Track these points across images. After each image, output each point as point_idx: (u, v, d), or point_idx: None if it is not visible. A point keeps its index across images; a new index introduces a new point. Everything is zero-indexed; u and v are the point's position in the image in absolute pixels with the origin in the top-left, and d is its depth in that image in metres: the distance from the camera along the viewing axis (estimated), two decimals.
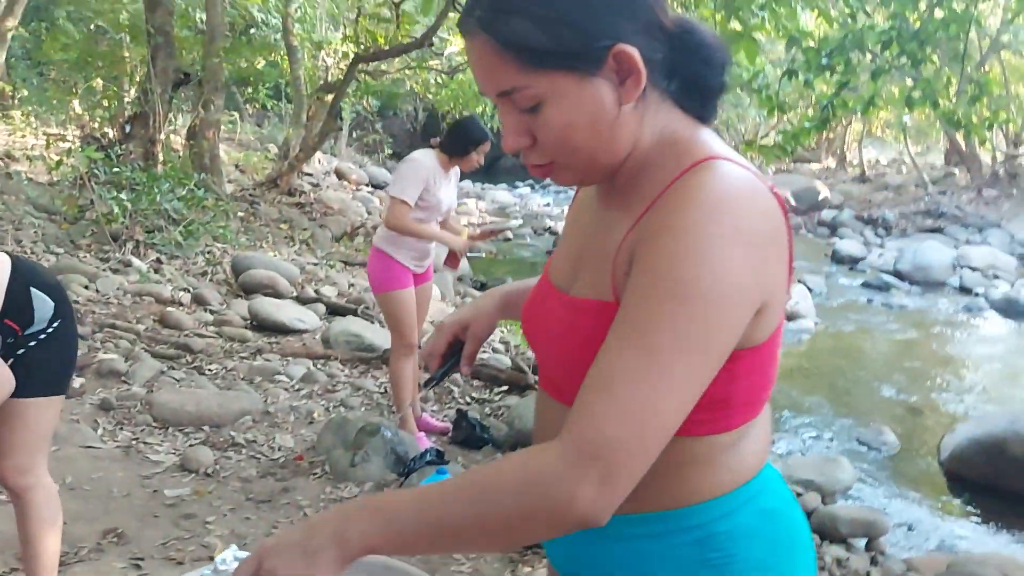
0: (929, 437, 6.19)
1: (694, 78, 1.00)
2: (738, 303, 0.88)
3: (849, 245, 13.75)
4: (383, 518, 0.87)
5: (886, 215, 16.66)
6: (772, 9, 4.18)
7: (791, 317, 9.03)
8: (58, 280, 2.36)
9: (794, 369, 7.97)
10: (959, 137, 17.16)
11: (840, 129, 23.72)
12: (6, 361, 2.12)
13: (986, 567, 3.81)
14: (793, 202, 17.88)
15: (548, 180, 1.03)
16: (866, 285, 11.36)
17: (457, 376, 5.23)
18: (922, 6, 5.82)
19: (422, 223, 3.82)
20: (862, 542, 4.38)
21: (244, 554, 1.16)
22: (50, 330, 2.22)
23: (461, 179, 4.22)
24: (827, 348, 8.67)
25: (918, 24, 5.86)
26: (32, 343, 2.19)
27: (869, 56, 6.20)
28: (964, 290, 11.30)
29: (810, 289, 10.41)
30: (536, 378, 1.42)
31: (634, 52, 0.92)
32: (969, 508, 5.11)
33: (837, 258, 13.26)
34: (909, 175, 19.89)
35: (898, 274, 11.79)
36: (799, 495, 4.68)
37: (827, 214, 17.30)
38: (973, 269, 11.98)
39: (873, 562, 4.22)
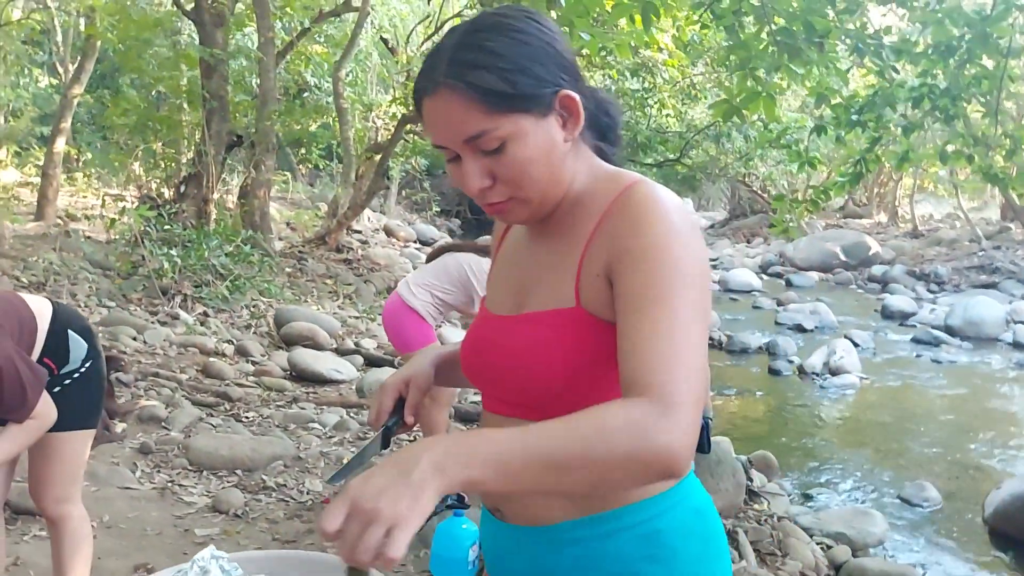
0: (974, 494, 6.04)
1: (602, 128, 1.22)
2: (709, 278, 1.07)
3: (899, 300, 13.54)
4: (488, 448, 0.88)
5: (938, 270, 16.38)
6: (789, 68, 4.28)
7: (835, 372, 8.93)
8: (90, 324, 2.56)
9: (837, 423, 7.86)
10: (1012, 192, 16.87)
11: (891, 184, 23.53)
12: None
13: None
14: (843, 256, 17.73)
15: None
16: (915, 340, 11.16)
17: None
18: (951, 63, 5.85)
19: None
20: None
21: (221, 553, 1.26)
22: (83, 369, 2.42)
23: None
24: (872, 403, 8.53)
25: (948, 81, 5.89)
26: (67, 381, 2.38)
27: (899, 113, 6.23)
28: (1018, 346, 11.03)
29: (856, 344, 10.27)
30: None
31: (576, 96, 1.09)
32: (1012, 565, 4.98)
33: (887, 313, 13.05)
34: (963, 230, 19.57)
35: (949, 329, 11.55)
36: (829, 548, 4.62)
37: (877, 269, 17.08)
38: None
39: None
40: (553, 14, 4.37)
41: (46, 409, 2.24)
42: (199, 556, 1.23)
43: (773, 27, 4.23)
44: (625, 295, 1.03)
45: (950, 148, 6.49)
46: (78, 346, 2.39)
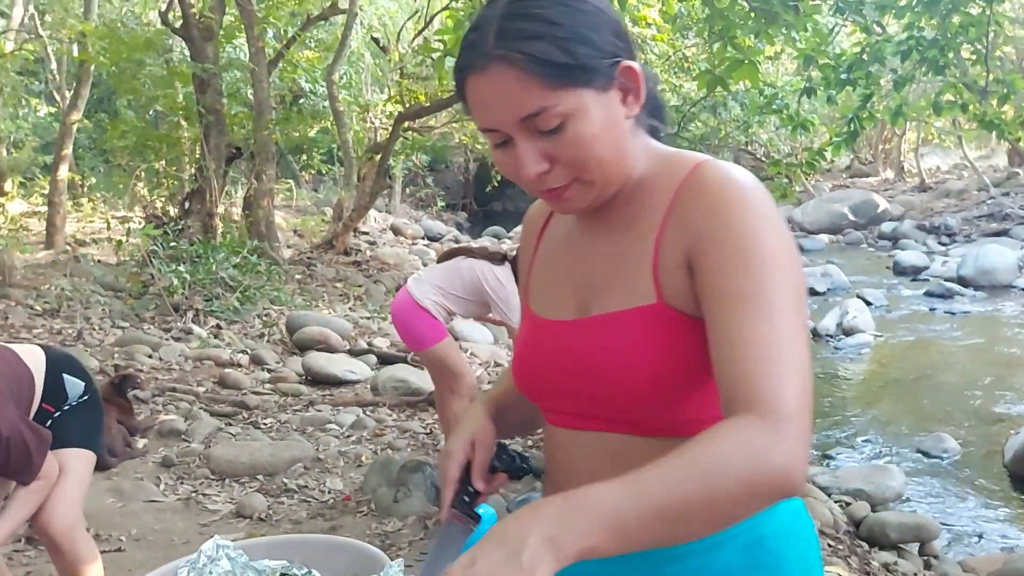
0: (993, 441, 6.06)
1: (653, 107, 1.09)
2: (800, 264, 0.98)
3: (910, 256, 13.50)
4: (602, 511, 0.79)
5: (948, 222, 16.31)
6: (767, 34, 4.29)
7: (849, 332, 8.94)
8: (81, 364, 2.67)
9: (852, 383, 7.88)
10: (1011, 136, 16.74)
11: (896, 140, 23.38)
12: (43, 426, 2.39)
13: None
14: (851, 216, 17.66)
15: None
16: (928, 294, 11.15)
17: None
18: (937, 13, 5.83)
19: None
20: (915, 547, 4.34)
21: (226, 542, 1.31)
22: (82, 399, 2.54)
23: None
24: (887, 360, 8.54)
25: (935, 32, 5.87)
26: (66, 407, 2.50)
27: (889, 68, 6.22)
28: None
29: (868, 303, 10.27)
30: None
31: (638, 68, 0.99)
32: None
33: (899, 270, 13.02)
34: (971, 180, 19.45)
35: (962, 280, 11.53)
36: (848, 505, 4.66)
37: (887, 226, 17.02)
38: None
39: (927, 566, 4.18)
40: None
41: (50, 468, 2.34)
42: (205, 546, 1.28)
43: None
44: (713, 291, 0.94)
45: (944, 99, 6.48)
46: (74, 386, 2.51)
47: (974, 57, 6.37)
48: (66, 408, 2.47)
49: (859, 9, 5.04)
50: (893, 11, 5.82)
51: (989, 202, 17.01)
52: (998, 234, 14.84)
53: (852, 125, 6.35)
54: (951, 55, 6.10)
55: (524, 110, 0.95)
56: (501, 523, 0.81)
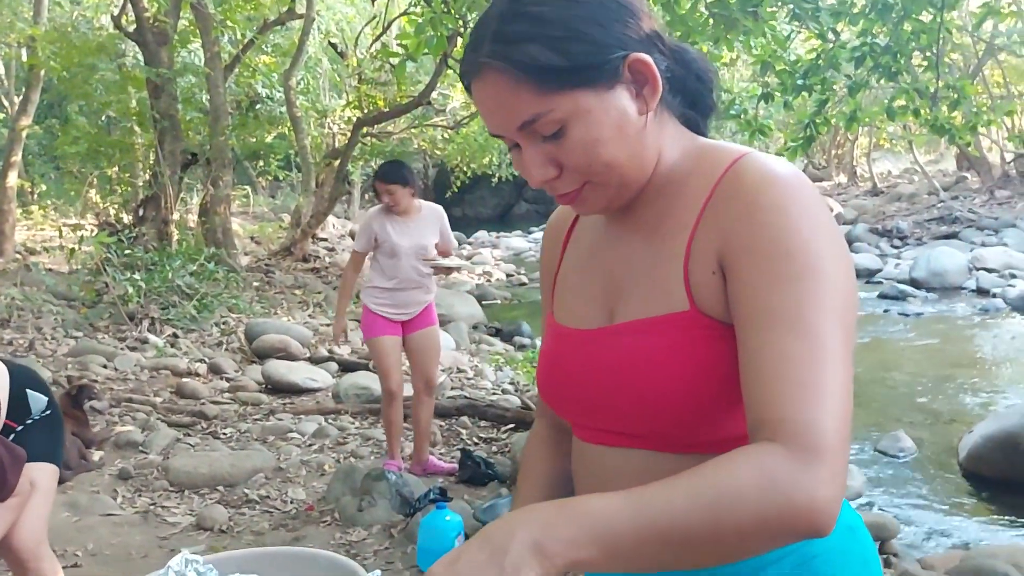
0: (948, 439, 6.17)
1: (692, 94, 1.01)
2: (853, 276, 0.88)
3: (864, 259, 13.74)
4: (595, 523, 0.74)
5: (900, 225, 16.65)
6: (727, 40, 4.34)
7: None
8: (43, 377, 2.64)
9: None
10: (960, 141, 17.16)
11: (848, 145, 23.82)
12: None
13: (996, 559, 3.81)
14: None
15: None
16: (882, 296, 11.35)
17: (465, 419, 5.35)
18: (890, 20, 5.94)
19: (393, 265, 4.18)
20: (875, 545, 4.39)
21: (195, 557, 1.28)
22: (45, 414, 2.49)
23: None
24: None
25: (888, 38, 5.98)
26: (29, 421, 2.45)
27: (844, 74, 6.32)
28: (981, 292, 11.26)
29: None
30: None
31: (649, 60, 0.91)
32: (987, 505, 5.10)
33: None
34: (921, 184, 19.90)
35: (914, 282, 11.77)
36: None
37: (841, 229, 17.31)
38: (989, 271, 11.95)
39: (887, 564, 4.24)
40: None
41: (24, 485, 2.30)
42: (173, 561, 1.24)
43: (707, 0, 4.28)
44: (746, 303, 0.85)
45: (897, 104, 6.60)
46: (37, 401, 2.47)
47: (925, 64, 6.50)
48: (28, 423, 2.42)
49: (815, 16, 5.11)
50: (847, 18, 5.91)
51: (939, 206, 17.41)
52: (948, 237, 15.18)
53: (808, 130, 6.43)
54: (903, 61, 6.22)
55: (519, 117, 0.90)
56: (492, 523, 0.77)
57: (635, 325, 0.95)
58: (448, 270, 4.25)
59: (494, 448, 4.85)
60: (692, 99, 1.01)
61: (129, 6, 9.85)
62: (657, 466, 0.95)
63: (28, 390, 2.44)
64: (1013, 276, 11.63)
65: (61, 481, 4.11)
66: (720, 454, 0.81)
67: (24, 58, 11.55)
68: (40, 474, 2.43)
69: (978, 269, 12.01)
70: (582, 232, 1.10)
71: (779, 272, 0.84)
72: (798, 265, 0.83)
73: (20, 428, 2.39)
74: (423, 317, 4.32)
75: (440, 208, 4.39)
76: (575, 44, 0.88)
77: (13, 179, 10.51)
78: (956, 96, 6.28)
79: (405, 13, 10.97)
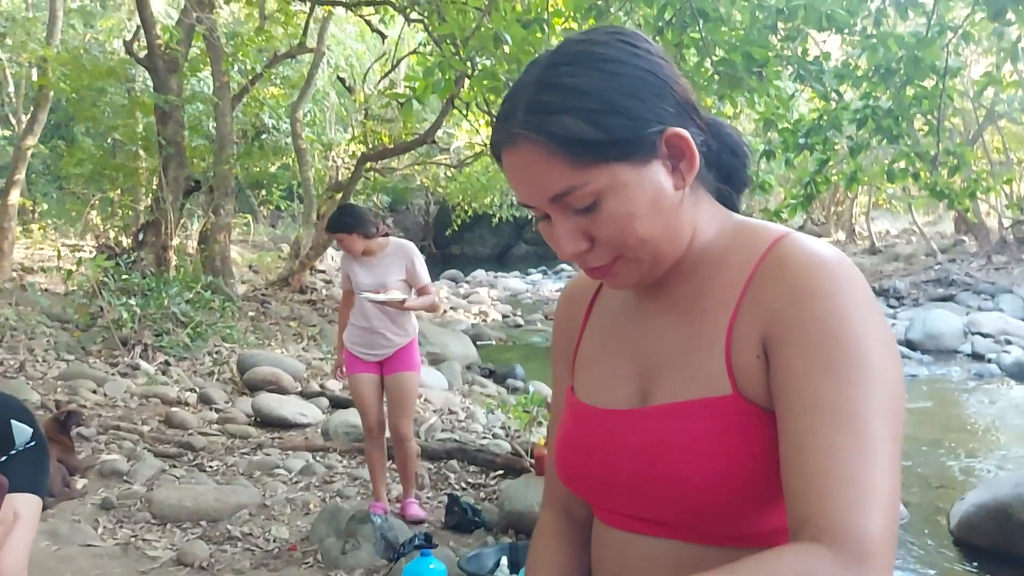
0: (940, 506, 6.13)
1: (727, 169, 1.00)
2: (900, 366, 0.85)
3: None
4: None
5: (897, 285, 16.69)
6: (731, 97, 4.39)
7: None
8: (29, 410, 2.51)
9: None
10: (959, 207, 17.28)
11: (848, 203, 23.97)
12: None
13: None
14: None
15: (562, 267, 0.99)
16: None
17: (454, 463, 5.31)
18: (892, 84, 6.01)
19: (360, 304, 4.24)
20: None
21: None
22: (29, 444, 2.37)
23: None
24: None
25: (890, 102, 6.05)
26: (13, 452, 2.35)
27: (846, 135, 6.39)
28: (976, 356, 11.26)
29: None
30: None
31: (686, 134, 0.89)
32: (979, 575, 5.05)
33: None
34: (919, 245, 19.98)
35: (909, 344, 11.77)
36: None
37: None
38: (984, 336, 11.95)
39: None
40: (506, 48, 4.44)
41: (6, 514, 2.21)
42: None
43: (714, 58, 4.33)
44: (789, 393, 0.83)
45: (897, 167, 6.66)
46: (22, 432, 2.36)
47: (926, 128, 6.57)
48: (12, 453, 2.39)
49: (819, 77, 5.17)
50: (851, 81, 5.99)
51: (936, 267, 17.46)
52: (944, 299, 15.21)
53: (808, 188, 6.48)
54: (905, 125, 6.28)
55: (552, 190, 0.88)
56: None
57: (673, 408, 0.91)
58: (391, 303, 4.16)
59: (482, 495, 4.80)
60: (727, 174, 1.00)
61: (142, 32, 9.94)
62: (686, 558, 0.91)
63: (13, 421, 2.35)
64: (1008, 342, 11.63)
65: (43, 509, 4.08)
66: (754, 548, 0.80)
67: (35, 78, 11.63)
68: (23, 505, 2.39)
69: (974, 333, 12.02)
70: (606, 305, 1.06)
71: (827, 361, 0.81)
72: (847, 355, 0.81)
73: (3, 459, 2.36)
74: (398, 360, 4.25)
75: (408, 244, 4.37)
76: (612, 117, 0.86)
77: (15, 197, 10.53)
78: (956, 161, 6.34)
79: (414, 52, 11.10)
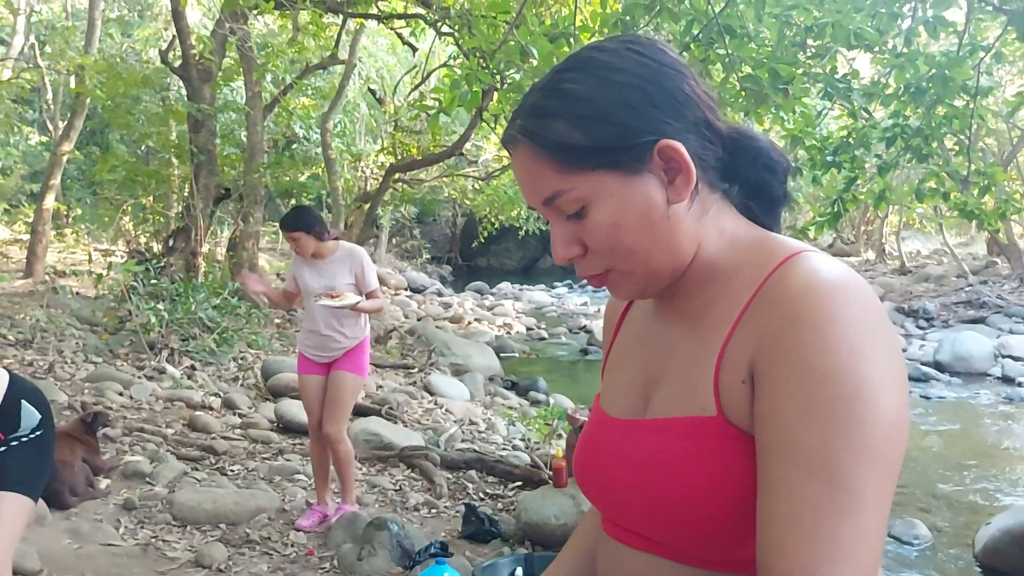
0: (965, 530, 6.04)
1: (758, 184, 0.96)
2: (900, 394, 0.78)
3: None
4: None
5: (927, 306, 16.49)
6: (757, 114, 4.37)
7: None
8: (46, 399, 2.49)
9: None
10: (989, 227, 17.06)
11: (878, 222, 23.76)
12: None
13: None
14: None
15: (587, 281, 0.96)
16: None
17: (472, 473, 5.31)
18: (922, 103, 5.97)
19: (309, 307, 4.29)
20: None
21: None
22: (32, 435, 2.32)
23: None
24: None
25: (920, 121, 6.00)
26: (13, 442, 2.29)
27: (874, 153, 6.34)
28: (1006, 380, 11.09)
29: None
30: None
31: (680, 147, 0.87)
32: None
33: None
34: (950, 266, 19.74)
35: (938, 365, 11.62)
36: None
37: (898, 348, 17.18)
38: (1015, 359, 11.76)
39: None
40: (533, 62, 4.47)
41: None
42: None
43: (740, 74, 4.33)
44: (771, 429, 0.78)
45: (927, 186, 6.60)
46: (30, 415, 2.32)
47: (957, 147, 6.51)
48: (14, 443, 2.28)
49: (847, 95, 5.14)
50: (880, 99, 5.95)
51: (967, 289, 17.24)
52: (975, 321, 15.01)
53: (836, 206, 6.44)
54: (935, 144, 6.22)
55: (542, 193, 0.89)
56: None
57: (662, 423, 0.89)
58: (344, 308, 4.17)
59: (500, 505, 4.80)
60: (754, 188, 0.97)
61: (177, 43, 10.10)
62: None
63: (24, 401, 2.30)
64: None
65: (66, 507, 4.14)
66: (736, 573, 0.79)
67: (72, 85, 11.85)
68: (11, 505, 2.23)
69: (1004, 356, 11.84)
70: (635, 315, 1.06)
71: (809, 399, 0.76)
72: (831, 394, 0.75)
73: (4, 449, 2.25)
74: (343, 360, 4.27)
75: (358, 248, 4.36)
76: (600, 124, 0.86)
77: (50, 202, 10.73)
78: (987, 182, 6.28)
79: (444, 65, 11.18)
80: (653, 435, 0.89)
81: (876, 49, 5.49)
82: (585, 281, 0.98)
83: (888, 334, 0.79)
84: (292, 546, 4.08)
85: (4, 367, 2.42)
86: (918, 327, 15.40)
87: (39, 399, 2.38)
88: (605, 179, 0.86)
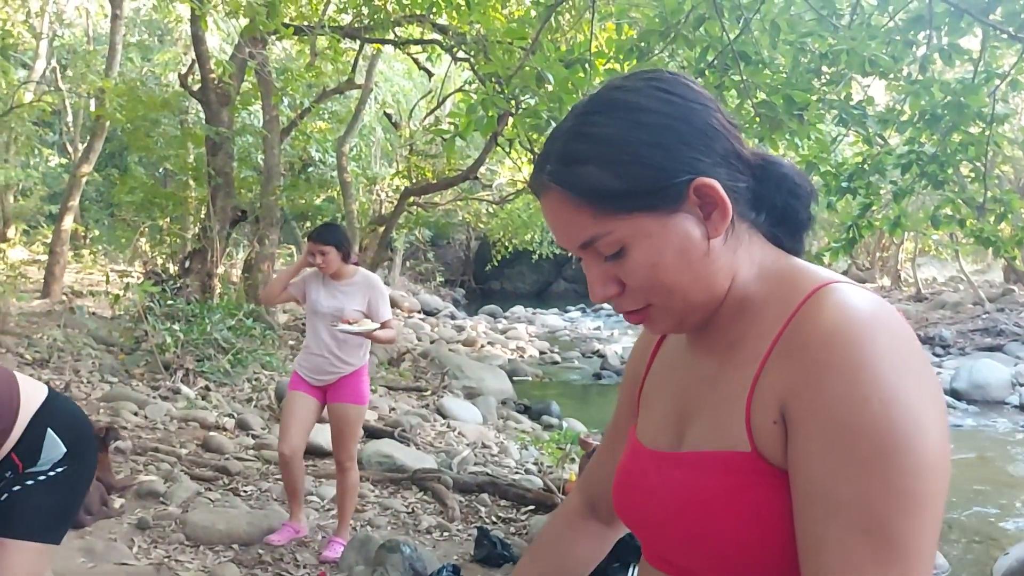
0: (982, 560, 5.97)
1: (783, 210, 0.96)
2: (937, 428, 0.77)
3: None
4: None
5: (943, 334, 16.38)
6: (772, 140, 4.39)
7: None
8: (87, 431, 2.25)
9: None
10: (1005, 255, 16.97)
11: (893, 248, 23.66)
12: (3, 477, 2.06)
13: None
14: None
15: (600, 305, 1.01)
16: None
17: (485, 496, 5.30)
18: (937, 130, 5.97)
19: (313, 326, 4.24)
20: None
21: None
22: (51, 473, 2.11)
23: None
24: None
25: (935, 147, 6.00)
26: (29, 482, 2.08)
27: (889, 180, 6.34)
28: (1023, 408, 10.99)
29: None
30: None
31: (715, 184, 0.87)
32: None
33: None
34: (966, 293, 19.61)
35: (955, 393, 11.52)
36: None
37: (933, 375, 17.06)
38: None
39: None
40: (548, 87, 4.50)
41: None
42: None
43: (754, 100, 4.35)
44: (808, 481, 0.78)
45: (942, 213, 6.59)
46: (53, 447, 2.10)
47: (973, 175, 6.50)
48: (29, 483, 2.05)
49: (862, 121, 5.15)
50: (895, 125, 5.96)
51: (984, 316, 17.12)
52: (992, 349, 14.89)
53: (851, 232, 6.42)
54: (950, 171, 6.21)
55: (579, 239, 0.89)
56: None
57: (698, 457, 0.89)
58: (360, 334, 4.14)
59: (512, 529, 4.79)
60: (781, 215, 0.96)
61: (196, 66, 10.24)
62: None
63: (50, 430, 2.08)
64: None
65: (80, 526, 4.15)
66: None
67: (92, 108, 12.01)
68: (13, 555, 2.00)
69: (1022, 385, 11.74)
70: (669, 347, 1.06)
71: (845, 454, 0.75)
72: (866, 447, 0.74)
73: (18, 488, 2.04)
74: (343, 389, 4.19)
75: (375, 278, 4.31)
76: (635, 168, 0.86)
77: (68, 223, 10.84)
78: (1003, 209, 6.26)
79: (460, 90, 11.27)
80: (688, 469, 0.90)
81: (891, 76, 5.51)
82: (600, 306, 0.98)
83: (921, 365, 0.79)
84: (304, 567, 4.07)
85: (46, 382, 2.28)
86: (935, 355, 15.29)
87: (73, 424, 2.18)
88: (642, 221, 0.86)
